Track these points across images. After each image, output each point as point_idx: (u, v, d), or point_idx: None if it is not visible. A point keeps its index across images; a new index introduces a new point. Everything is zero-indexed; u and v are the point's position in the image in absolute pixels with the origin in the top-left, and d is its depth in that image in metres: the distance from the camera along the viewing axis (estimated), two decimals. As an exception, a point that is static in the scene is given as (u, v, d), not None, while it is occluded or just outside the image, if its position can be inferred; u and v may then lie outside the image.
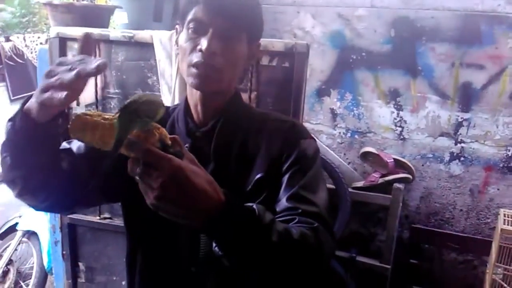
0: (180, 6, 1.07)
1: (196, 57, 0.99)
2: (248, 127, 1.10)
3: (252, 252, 0.81)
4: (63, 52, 1.86)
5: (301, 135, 1.09)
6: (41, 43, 3.31)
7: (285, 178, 1.02)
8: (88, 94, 1.88)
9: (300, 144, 1.06)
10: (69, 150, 1.05)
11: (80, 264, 2.09)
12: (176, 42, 1.10)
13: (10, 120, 0.88)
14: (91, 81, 1.85)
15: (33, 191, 0.98)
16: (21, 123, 0.86)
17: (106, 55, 1.82)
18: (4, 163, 0.93)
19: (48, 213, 2.68)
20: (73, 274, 2.10)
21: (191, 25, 1.01)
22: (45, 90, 0.79)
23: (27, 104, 0.85)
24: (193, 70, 1.00)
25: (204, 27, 0.99)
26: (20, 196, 0.98)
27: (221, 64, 1.00)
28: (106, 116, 0.77)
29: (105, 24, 2.06)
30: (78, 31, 1.84)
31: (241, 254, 0.82)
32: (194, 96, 1.08)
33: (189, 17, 1.01)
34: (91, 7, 2.13)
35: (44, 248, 2.88)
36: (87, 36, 0.83)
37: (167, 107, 1.19)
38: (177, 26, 1.11)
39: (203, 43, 0.98)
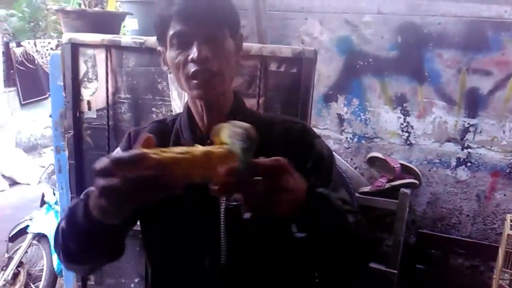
0: (155, 29, 1.06)
1: (192, 67, 0.99)
2: (257, 129, 1.11)
3: (332, 231, 0.89)
4: (75, 57, 1.89)
5: (314, 135, 1.13)
6: (51, 49, 3.35)
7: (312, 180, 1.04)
8: (99, 99, 1.92)
9: (315, 144, 1.09)
10: None
11: (90, 266, 2.12)
12: (165, 64, 1.10)
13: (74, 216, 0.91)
14: (102, 86, 1.89)
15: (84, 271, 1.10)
16: (86, 223, 0.87)
17: (117, 60, 1.86)
18: (64, 254, 1.00)
19: (58, 216, 2.71)
20: (83, 276, 2.12)
21: (174, 41, 1.01)
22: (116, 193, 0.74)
23: (90, 207, 0.84)
24: (193, 81, 1.00)
25: (188, 36, 0.99)
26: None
27: (217, 66, 1.00)
28: (177, 150, 0.75)
29: (116, 31, 2.09)
30: (90, 37, 1.88)
31: (322, 233, 0.89)
32: (197, 105, 1.08)
33: (170, 33, 1.01)
34: (103, 14, 2.16)
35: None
36: (149, 139, 0.80)
37: (163, 120, 1.20)
38: (159, 49, 1.10)
39: (193, 52, 0.98)
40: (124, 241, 1.04)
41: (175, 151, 0.74)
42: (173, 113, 1.72)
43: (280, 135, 1.09)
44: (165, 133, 1.14)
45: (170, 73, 1.10)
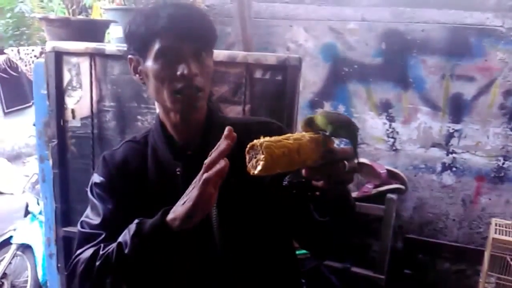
0: (134, 38, 1.05)
1: (179, 83, 1.00)
2: (236, 132, 1.11)
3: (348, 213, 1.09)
4: (59, 66, 1.87)
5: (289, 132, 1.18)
6: (35, 56, 3.31)
7: None
8: (83, 107, 1.90)
9: None
10: None
11: (75, 277, 2.09)
12: (138, 73, 1.08)
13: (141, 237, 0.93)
14: (86, 95, 1.88)
15: None
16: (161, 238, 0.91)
17: (102, 68, 1.84)
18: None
19: (43, 226, 2.67)
20: (68, 287, 2.09)
21: (162, 55, 1.00)
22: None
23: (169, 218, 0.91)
24: (178, 96, 1.01)
25: (178, 52, 0.99)
26: None
27: (202, 83, 1.02)
28: (293, 137, 0.85)
29: (100, 38, 2.08)
30: (73, 46, 1.86)
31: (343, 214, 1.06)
32: (173, 118, 1.08)
33: (156, 46, 1.00)
34: (87, 22, 2.15)
35: (38, 261, 2.87)
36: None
37: (134, 138, 1.19)
38: (131, 57, 1.08)
39: (183, 68, 0.99)
40: None
41: (292, 138, 0.85)
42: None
43: (260, 135, 1.09)
44: (140, 151, 1.14)
45: (143, 82, 1.09)
